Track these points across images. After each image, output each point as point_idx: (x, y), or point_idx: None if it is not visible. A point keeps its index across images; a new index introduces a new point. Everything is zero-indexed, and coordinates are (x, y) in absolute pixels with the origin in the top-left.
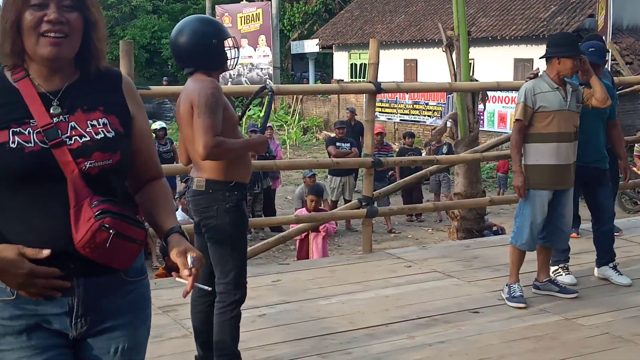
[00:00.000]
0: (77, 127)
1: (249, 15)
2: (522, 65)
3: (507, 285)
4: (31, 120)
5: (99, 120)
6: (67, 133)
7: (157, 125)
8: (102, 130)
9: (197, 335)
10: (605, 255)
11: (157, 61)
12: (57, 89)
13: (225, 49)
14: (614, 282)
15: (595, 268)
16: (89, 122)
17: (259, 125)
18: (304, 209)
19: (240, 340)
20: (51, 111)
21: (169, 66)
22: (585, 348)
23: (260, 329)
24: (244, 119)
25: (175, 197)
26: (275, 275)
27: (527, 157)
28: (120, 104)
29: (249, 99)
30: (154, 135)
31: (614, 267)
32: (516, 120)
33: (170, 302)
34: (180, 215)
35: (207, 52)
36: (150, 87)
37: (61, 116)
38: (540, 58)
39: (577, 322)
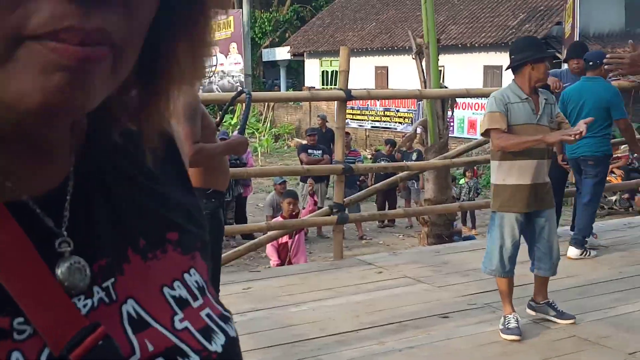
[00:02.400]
0: (149, 314)
1: (220, 23)
2: (492, 73)
3: (503, 316)
4: (18, 323)
5: (191, 279)
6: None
7: None
8: (208, 315)
9: None
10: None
11: None
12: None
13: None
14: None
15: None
16: (167, 292)
17: (229, 134)
18: (280, 216)
19: None
20: (61, 277)
21: None
22: (553, 351)
23: None
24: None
25: None
26: (246, 282)
27: (495, 176)
28: (199, 223)
29: (226, 104)
30: None
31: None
32: (494, 129)
33: None
34: None
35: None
36: None
37: (97, 289)
38: (506, 69)
39: (545, 325)
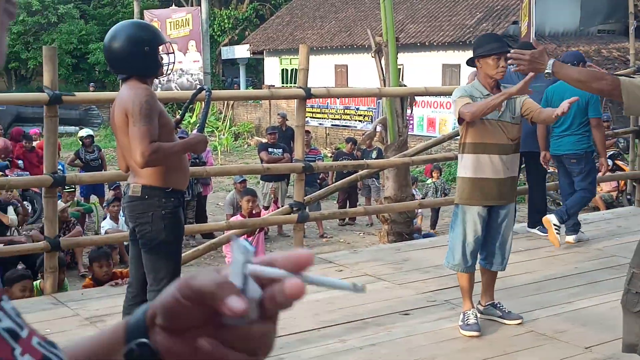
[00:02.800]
0: None
1: (178, 21)
2: (450, 71)
3: (462, 312)
4: None
5: (7, 306)
6: None
7: (84, 132)
8: (40, 344)
9: None
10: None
11: (84, 67)
12: None
13: (161, 54)
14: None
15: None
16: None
17: (189, 132)
18: (239, 215)
19: None
20: None
21: (97, 72)
22: (511, 346)
23: None
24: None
25: (104, 205)
26: None
27: (458, 170)
28: None
29: (186, 102)
30: (80, 143)
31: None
32: (464, 106)
33: (98, 312)
34: (108, 224)
35: (141, 57)
36: (75, 93)
37: None
38: (468, 64)
39: (503, 321)
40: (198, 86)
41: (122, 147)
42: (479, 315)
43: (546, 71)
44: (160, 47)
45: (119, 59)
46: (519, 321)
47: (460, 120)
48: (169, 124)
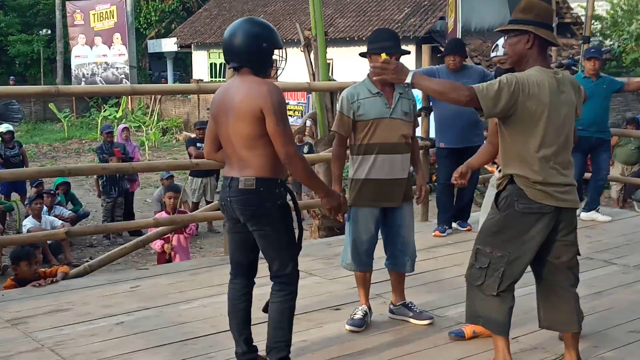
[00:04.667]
0: None
1: (102, 13)
2: None
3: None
4: None
5: None
6: None
7: (4, 128)
8: None
9: (241, 332)
10: (594, 203)
11: (4, 59)
12: None
13: (275, 56)
14: (599, 221)
15: (583, 212)
16: None
17: (114, 127)
18: (164, 212)
19: (96, 351)
20: None
21: (17, 65)
22: (442, 339)
23: (118, 337)
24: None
25: (26, 203)
26: (134, 281)
27: (350, 170)
28: None
29: None
30: (0, 139)
31: (597, 211)
32: (337, 133)
33: (20, 314)
34: (30, 222)
35: (256, 51)
36: None
37: None
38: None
39: (415, 322)
40: (124, 80)
41: (236, 134)
42: (392, 317)
43: (406, 81)
44: (276, 51)
45: (236, 49)
46: (429, 321)
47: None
48: None
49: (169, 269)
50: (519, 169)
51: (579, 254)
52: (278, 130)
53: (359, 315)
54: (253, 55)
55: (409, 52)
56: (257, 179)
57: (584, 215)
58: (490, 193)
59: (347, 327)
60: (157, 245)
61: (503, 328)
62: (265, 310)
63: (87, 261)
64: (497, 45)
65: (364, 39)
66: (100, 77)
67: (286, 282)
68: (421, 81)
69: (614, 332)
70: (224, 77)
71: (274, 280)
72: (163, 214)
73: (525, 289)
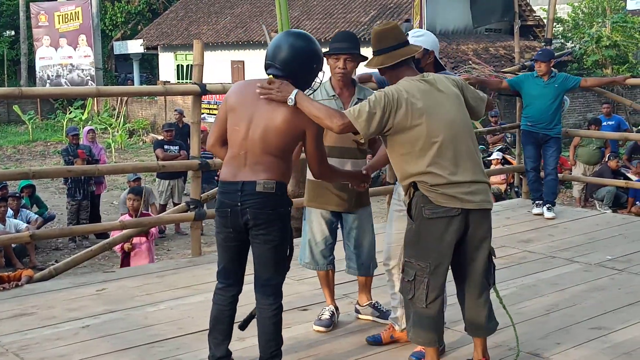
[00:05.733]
0: None
1: (67, 14)
2: None
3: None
4: None
5: None
6: None
7: None
8: None
9: (225, 338)
10: (546, 198)
11: None
12: None
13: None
14: (545, 217)
15: (535, 207)
16: None
17: (80, 130)
18: (127, 214)
19: (61, 355)
20: None
21: None
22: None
23: (83, 341)
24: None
25: None
26: (100, 284)
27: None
28: None
29: None
30: None
31: (549, 209)
32: None
33: None
34: None
35: (308, 71)
36: None
37: None
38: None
39: (382, 321)
40: (90, 83)
41: (265, 141)
42: (358, 316)
43: (289, 97)
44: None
45: (289, 60)
46: None
47: None
48: None
49: (136, 272)
50: (416, 176)
51: (494, 255)
52: (317, 152)
53: (326, 315)
54: (304, 72)
55: (365, 58)
56: (277, 182)
57: (535, 210)
58: (393, 207)
59: (315, 327)
60: (117, 247)
61: (433, 341)
62: (242, 327)
63: (53, 264)
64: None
65: (330, 40)
66: (66, 78)
67: (276, 293)
68: (303, 102)
69: (576, 329)
70: (191, 79)
71: (264, 288)
72: (126, 217)
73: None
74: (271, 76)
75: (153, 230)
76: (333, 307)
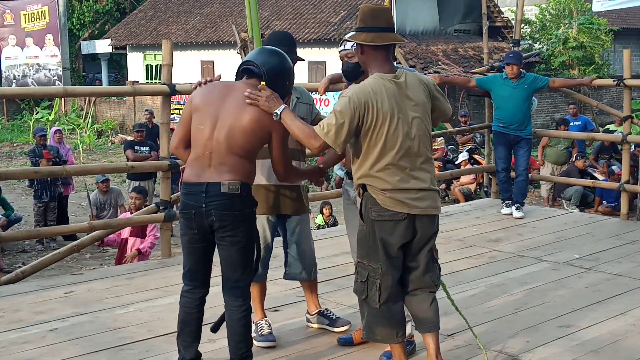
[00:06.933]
0: None
1: (33, 13)
2: (316, 68)
3: (254, 323)
4: None
5: None
6: None
7: None
8: None
9: (194, 340)
10: (516, 198)
11: None
12: None
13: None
14: (514, 217)
15: (505, 207)
16: None
17: (47, 130)
18: (128, 212)
19: (28, 358)
20: None
21: None
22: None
23: (51, 344)
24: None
25: None
26: (68, 286)
27: None
28: None
29: None
30: None
31: (517, 208)
32: None
33: None
34: None
35: (281, 84)
36: None
37: None
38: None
39: (331, 329)
40: (57, 83)
41: (229, 141)
42: (309, 324)
43: (275, 112)
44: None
45: (270, 66)
46: (347, 327)
47: None
48: None
49: (105, 274)
50: (367, 178)
51: (437, 258)
52: (283, 156)
53: (266, 330)
54: (277, 83)
55: (302, 59)
56: (242, 183)
57: (504, 210)
58: (346, 206)
59: (260, 344)
60: (111, 238)
61: (395, 337)
62: (214, 330)
63: (20, 267)
64: (344, 40)
65: (300, 41)
66: (32, 78)
67: (245, 295)
68: (287, 119)
69: (545, 327)
70: (160, 79)
71: (233, 290)
72: (127, 214)
73: (459, 286)
74: (263, 83)
75: (149, 249)
76: (268, 320)
